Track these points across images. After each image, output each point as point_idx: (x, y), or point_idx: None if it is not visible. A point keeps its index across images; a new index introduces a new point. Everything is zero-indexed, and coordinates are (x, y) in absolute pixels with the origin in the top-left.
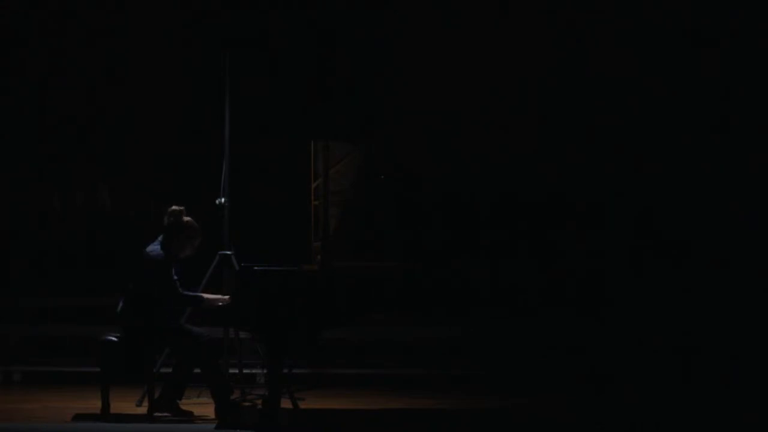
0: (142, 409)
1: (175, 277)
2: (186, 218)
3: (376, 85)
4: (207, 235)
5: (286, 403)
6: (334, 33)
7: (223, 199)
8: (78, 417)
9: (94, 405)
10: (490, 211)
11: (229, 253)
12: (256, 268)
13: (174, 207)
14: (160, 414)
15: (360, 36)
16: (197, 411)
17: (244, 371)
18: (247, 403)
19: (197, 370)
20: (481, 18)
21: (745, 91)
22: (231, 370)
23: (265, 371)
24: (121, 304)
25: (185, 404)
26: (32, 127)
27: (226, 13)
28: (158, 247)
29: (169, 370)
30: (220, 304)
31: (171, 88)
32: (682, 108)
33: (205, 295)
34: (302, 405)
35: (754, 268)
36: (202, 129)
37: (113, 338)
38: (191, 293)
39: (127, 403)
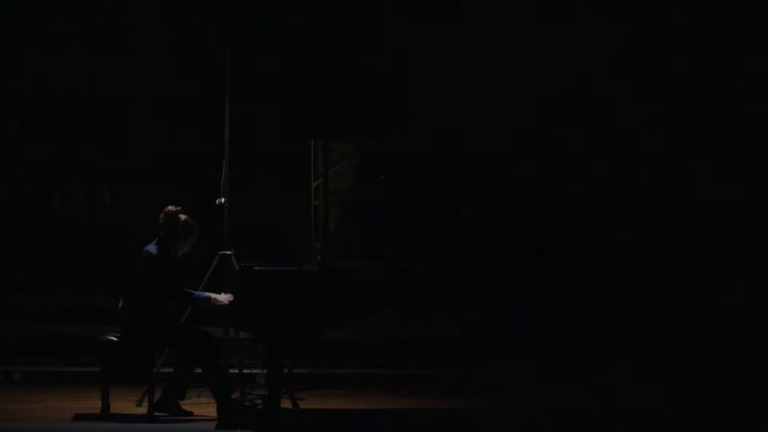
0: (142, 409)
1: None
2: (182, 216)
3: (376, 85)
4: (207, 235)
5: (286, 403)
6: (335, 33)
7: (223, 199)
8: (78, 417)
9: (94, 405)
10: (490, 212)
11: (229, 253)
12: (256, 268)
13: (169, 207)
14: (160, 414)
15: (362, 36)
16: (197, 411)
17: (244, 371)
18: (247, 403)
19: (198, 370)
20: (482, 18)
21: (745, 91)
22: (231, 370)
23: (265, 371)
24: (121, 304)
25: (185, 404)
26: (32, 126)
27: (227, 13)
28: (155, 247)
29: (169, 370)
30: (219, 303)
31: (171, 88)
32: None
33: (203, 293)
34: (302, 405)
35: (754, 268)
36: (203, 129)
37: (113, 338)
38: (190, 291)
39: (127, 403)
